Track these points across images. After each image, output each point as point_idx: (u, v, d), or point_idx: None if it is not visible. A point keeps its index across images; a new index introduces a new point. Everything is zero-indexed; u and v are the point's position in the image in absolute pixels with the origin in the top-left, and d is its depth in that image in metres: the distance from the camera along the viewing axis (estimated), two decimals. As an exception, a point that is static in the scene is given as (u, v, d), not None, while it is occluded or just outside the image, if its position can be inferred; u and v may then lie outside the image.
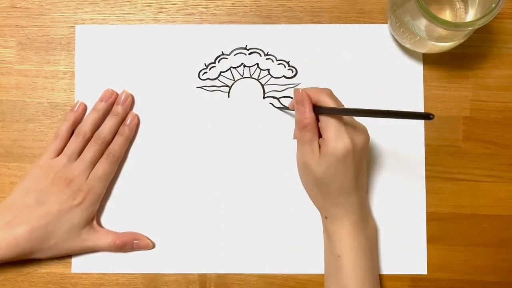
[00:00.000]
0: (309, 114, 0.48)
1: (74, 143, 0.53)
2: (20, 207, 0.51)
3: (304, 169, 0.50)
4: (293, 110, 0.51)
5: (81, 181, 0.52)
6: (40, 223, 0.51)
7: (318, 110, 0.48)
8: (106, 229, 0.55)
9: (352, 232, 0.50)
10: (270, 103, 0.56)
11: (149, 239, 0.55)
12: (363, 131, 0.49)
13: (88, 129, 0.54)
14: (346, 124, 0.47)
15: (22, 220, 0.51)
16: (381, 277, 0.55)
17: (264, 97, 0.56)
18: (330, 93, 0.49)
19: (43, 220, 0.51)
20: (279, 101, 0.56)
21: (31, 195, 0.52)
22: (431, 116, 0.38)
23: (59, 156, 0.53)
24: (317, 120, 0.48)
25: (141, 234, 0.55)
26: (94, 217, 0.54)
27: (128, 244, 0.54)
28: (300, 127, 0.48)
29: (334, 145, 0.46)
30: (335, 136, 0.46)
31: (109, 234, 0.54)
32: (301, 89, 0.48)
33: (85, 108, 0.55)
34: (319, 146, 0.48)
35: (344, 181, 0.48)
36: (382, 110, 0.44)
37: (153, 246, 0.55)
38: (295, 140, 0.51)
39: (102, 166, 0.53)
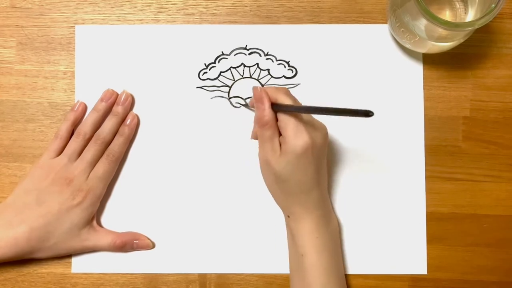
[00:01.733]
0: (268, 112, 0.48)
1: (74, 143, 0.53)
2: (20, 206, 0.51)
3: (265, 166, 0.50)
4: (253, 108, 0.51)
5: (81, 181, 0.52)
6: (40, 222, 0.51)
7: (277, 108, 0.48)
8: (106, 229, 0.55)
9: (314, 230, 0.50)
10: (237, 102, 0.56)
11: (149, 239, 0.55)
12: (322, 129, 0.49)
13: (88, 129, 0.54)
14: (305, 122, 0.47)
15: (22, 219, 0.51)
16: (381, 277, 0.55)
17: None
18: (287, 92, 0.49)
19: (43, 220, 0.51)
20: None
21: (31, 195, 0.52)
22: (370, 114, 0.39)
23: (59, 156, 0.53)
24: (277, 119, 0.49)
25: (141, 234, 0.55)
26: (94, 217, 0.54)
27: (128, 244, 0.54)
28: (260, 125, 0.48)
29: (293, 142, 0.47)
30: (294, 133, 0.47)
31: (109, 234, 0.54)
32: (259, 87, 0.49)
33: (85, 108, 0.55)
34: (280, 144, 0.48)
35: (304, 178, 0.48)
36: (330, 108, 0.44)
37: (153, 246, 0.55)
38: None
39: (102, 166, 0.53)
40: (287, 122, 0.47)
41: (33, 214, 0.51)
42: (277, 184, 0.50)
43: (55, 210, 0.51)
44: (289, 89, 0.55)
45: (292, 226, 0.51)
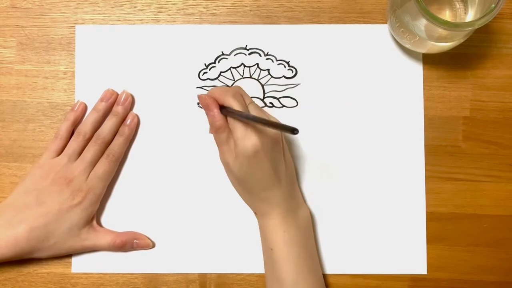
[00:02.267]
0: (218, 117, 0.48)
1: (74, 143, 0.53)
2: (20, 206, 0.51)
3: (226, 168, 0.51)
4: None
5: (81, 181, 0.52)
6: (40, 222, 0.51)
7: (225, 112, 0.49)
8: (106, 229, 0.55)
9: (281, 224, 0.50)
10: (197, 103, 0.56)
11: (149, 238, 0.55)
12: None
13: (88, 129, 0.54)
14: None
15: (22, 219, 0.51)
16: (381, 277, 0.55)
17: (264, 97, 0.56)
18: (234, 93, 0.49)
19: (43, 220, 0.51)
20: (278, 100, 0.56)
21: (31, 195, 0.52)
22: (295, 132, 0.40)
23: (60, 156, 0.53)
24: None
25: (141, 234, 0.55)
26: (94, 217, 0.54)
27: (128, 243, 0.54)
28: (213, 130, 0.49)
29: (242, 144, 0.47)
30: (243, 136, 0.47)
31: (109, 233, 0.54)
32: (208, 92, 0.49)
33: (85, 108, 0.55)
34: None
35: (261, 178, 0.49)
36: (261, 119, 0.45)
37: (153, 245, 0.55)
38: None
39: (102, 166, 0.53)
40: (235, 124, 0.48)
41: (33, 214, 0.51)
42: (238, 184, 0.51)
43: (55, 210, 0.51)
44: (289, 89, 0.56)
45: (260, 222, 0.52)
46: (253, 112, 0.49)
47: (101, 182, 0.53)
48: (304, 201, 0.55)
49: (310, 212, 0.54)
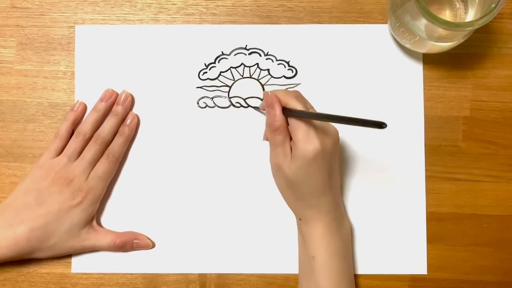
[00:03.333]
0: (279, 117, 0.47)
1: (74, 143, 0.53)
2: (20, 206, 0.51)
3: (277, 171, 0.50)
4: (264, 111, 0.51)
5: (81, 181, 0.52)
6: (40, 222, 0.51)
7: (288, 113, 0.48)
8: (106, 229, 0.55)
9: (326, 234, 0.50)
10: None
11: (149, 238, 0.55)
12: (333, 132, 0.49)
13: (88, 129, 0.54)
14: (316, 127, 0.47)
15: (22, 219, 0.51)
16: (381, 277, 0.55)
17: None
18: (298, 96, 0.49)
19: (43, 220, 0.51)
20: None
21: (31, 195, 0.52)
22: (383, 126, 0.38)
23: (59, 156, 0.53)
24: (288, 122, 0.48)
25: (141, 234, 0.55)
26: (94, 217, 0.54)
27: (128, 243, 0.54)
28: (271, 130, 0.48)
29: (303, 147, 0.46)
30: (305, 138, 0.46)
31: (109, 233, 0.54)
32: (271, 92, 0.48)
33: (85, 108, 0.55)
34: (291, 149, 0.48)
35: (315, 183, 0.48)
36: (344, 116, 0.44)
37: (153, 245, 0.55)
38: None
39: (102, 166, 0.53)
40: (297, 126, 0.47)
41: (33, 214, 0.51)
42: (289, 188, 0.50)
43: (55, 210, 0.51)
44: (289, 89, 0.56)
45: (303, 229, 0.51)
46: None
47: (101, 182, 0.53)
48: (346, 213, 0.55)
49: (351, 225, 0.54)
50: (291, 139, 0.48)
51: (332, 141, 0.48)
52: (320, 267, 0.49)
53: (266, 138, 0.52)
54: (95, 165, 0.53)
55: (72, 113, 0.55)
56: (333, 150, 0.48)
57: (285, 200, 0.53)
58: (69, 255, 0.55)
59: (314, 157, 0.46)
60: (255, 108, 0.56)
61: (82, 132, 0.53)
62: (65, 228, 0.52)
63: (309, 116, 0.47)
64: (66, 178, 0.52)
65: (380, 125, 0.39)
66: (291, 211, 0.54)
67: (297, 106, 0.47)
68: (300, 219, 0.52)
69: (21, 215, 0.51)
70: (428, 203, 0.55)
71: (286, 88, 0.56)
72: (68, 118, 0.55)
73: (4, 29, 0.56)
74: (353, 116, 0.43)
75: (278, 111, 0.47)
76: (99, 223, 0.55)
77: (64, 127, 0.54)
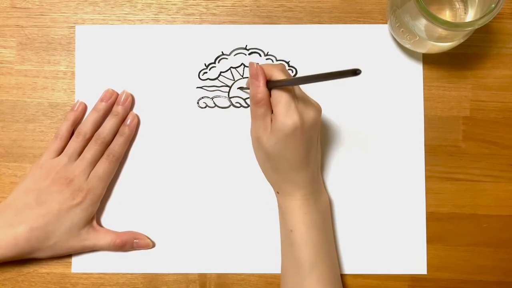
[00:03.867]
0: (262, 89, 0.48)
1: (75, 143, 0.53)
2: (20, 206, 0.51)
3: (256, 143, 0.51)
4: (248, 89, 0.51)
5: (81, 181, 0.52)
6: (40, 222, 0.51)
7: (271, 84, 0.48)
8: (106, 229, 0.55)
9: (303, 206, 0.50)
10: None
11: (149, 238, 0.55)
12: (315, 107, 0.49)
13: (88, 129, 0.54)
14: (298, 100, 0.47)
15: (22, 219, 0.51)
16: (381, 277, 0.55)
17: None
18: (283, 68, 0.49)
19: (43, 220, 0.51)
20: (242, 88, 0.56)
21: (31, 195, 0.52)
22: (358, 72, 0.38)
23: (60, 156, 0.53)
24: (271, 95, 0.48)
25: (141, 234, 0.55)
26: (94, 217, 0.54)
27: (128, 243, 0.54)
28: (254, 102, 0.48)
29: (283, 120, 0.47)
30: (285, 112, 0.47)
31: (109, 233, 0.54)
32: (256, 63, 0.48)
33: (85, 108, 0.55)
34: (271, 122, 0.48)
35: (293, 157, 0.49)
36: (318, 74, 0.43)
37: (153, 245, 0.55)
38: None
39: (102, 166, 0.53)
40: (279, 99, 0.47)
41: (33, 214, 0.51)
42: (267, 161, 0.51)
43: (55, 210, 0.51)
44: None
45: (281, 202, 0.52)
46: (297, 90, 0.49)
47: (101, 182, 0.53)
48: (325, 187, 0.55)
49: (329, 197, 0.54)
50: (273, 112, 0.48)
51: (313, 116, 0.48)
52: (298, 240, 0.50)
53: None
54: (95, 165, 0.53)
55: (72, 113, 0.55)
56: (313, 125, 0.48)
57: (264, 173, 0.54)
58: (69, 255, 0.55)
59: (292, 131, 0.47)
60: (241, 88, 0.55)
61: (82, 132, 0.53)
62: (65, 228, 0.52)
63: (289, 83, 0.47)
64: (66, 178, 0.52)
65: (354, 72, 0.39)
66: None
67: (280, 77, 0.48)
68: (278, 193, 0.52)
69: (21, 215, 0.51)
70: (428, 203, 0.55)
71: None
72: (68, 118, 0.55)
73: (4, 29, 0.56)
74: (329, 72, 0.43)
75: (261, 83, 0.48)
76: (99, 223, 0.55)
77: (65, 127, 0.54)
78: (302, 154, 0.49)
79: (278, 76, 0.48)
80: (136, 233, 0.55)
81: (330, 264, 0.51)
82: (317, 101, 0.50)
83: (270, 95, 0.48)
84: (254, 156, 0.54)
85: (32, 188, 0.52)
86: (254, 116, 0.50)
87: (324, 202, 0.53)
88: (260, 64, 0.49)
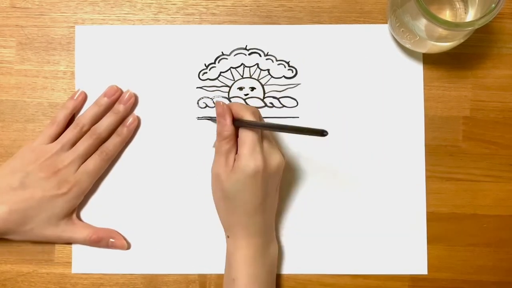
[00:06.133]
0: (229, 127, 0.48)
1: (70, 133, 0.53)
2: (3, 186, 0.51)
3: (215, 180, 0.50)
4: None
5: (70, 172, 0.52)
6: (20, 206, 0.50)
7: (238, 123, 0.49)
8: (84, 223, 0.55)
9: (250, 258, 0.50)
10: (204, 117, 0.55)
11: (125, 239, 0.54)
12: (279, 159, 0.49)
13: (87, 121, 0.53)
14: (264, 145, 0.48)
15: (3, 200, 0.50)
16: (381, 277, 0.55)
17: (264, 97, 0.56)
18: (254, 111, 0.49)
19: (24, 204, 0.50)
20: (278, 100, 0.56)
21: (16, 176, 0.51)
22: (324, 133, 0.40)
23: (53, 143, 0.53)
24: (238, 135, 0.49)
25: (118, 233, 0.55)
26: (75, 210, 0.54)
27: (104, 240, 0.54)
28: (220, 138, 0.49)
29: (246, 161, 0.47)
30: (249, 153, 0.47)
31: (87, 228, 0.54)
32: (222, 103, 0.49)
33: (85, 98, 0.55)
34: (234, 161, 0.48)
35: (250, 200, 0.48)
36: (288, 126, 0.48)
37: (129, 247, 0.55)
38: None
39: (93, 162, 0.53)
40: (245, 139, 0.47)
41: (16, 196, 0.50)
42: (223, 201, 0.50)
43: (38, 196, 0.51)
44: (289, 89, 0.56)
45: (229, 248, 0.51)
46: (268, 134, 0.49)
47: (89, 178, 0.53)
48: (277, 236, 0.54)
49: (277, 249, 0.53)
50: (237, 152, 0.48)
51: (277, 163, 0.49)
52: None
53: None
54: (86, 159, 0.53)
55: (71, 101, 0.55)
56: (275, 172, 0.49)
57: (218, 213, 0.53)
58: (48, 243, 0.54)
59: (254, 173, 0.47)
60: (208, 119, 0.55)
61: (80, 124, 0.53)
62: (45, 216, 0.51)
63: (257, 126, 0.48)
64: (55, 167, 0.52)
65: (321, 132, 0.40)
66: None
67: (251, 119, 0.48)
68: (228, 237, 0.52)
69: (3, 196, 0.50)
70: (428, 203, 0.55)
71: (286, 89, 0.56)
72: (67, 106, 0.54)
73: (4, 29, 0.56)
74: (297, 126, 0.45)
75: (228, 121, 0.48)
76: (79, 217, 0.54)
77: (62, 114, 0.54)
78: (258, 199, 0.48)
79: (247, 118, 0.48)
80: (113, 231, 0.55)
81: None
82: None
83: (237, 134, 0.48)
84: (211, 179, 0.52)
85: (18, 169, 0.51)
86: (218, 152, 0.50)
87: (273, 254, 0.52)
88: (231, 103, 0.50)
